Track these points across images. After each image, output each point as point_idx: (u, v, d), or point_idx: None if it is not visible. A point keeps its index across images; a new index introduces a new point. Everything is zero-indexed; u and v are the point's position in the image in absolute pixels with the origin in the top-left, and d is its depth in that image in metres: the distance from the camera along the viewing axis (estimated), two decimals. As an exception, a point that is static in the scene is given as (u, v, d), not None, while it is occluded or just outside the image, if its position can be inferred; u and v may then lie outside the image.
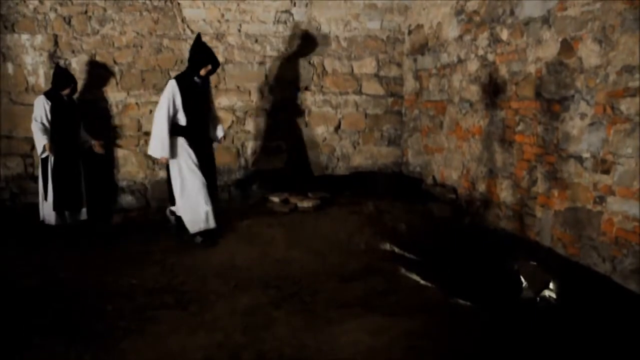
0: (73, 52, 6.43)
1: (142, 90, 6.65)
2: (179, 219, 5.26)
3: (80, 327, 3.39)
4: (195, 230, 5.12)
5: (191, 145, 5.15)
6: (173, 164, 5.15)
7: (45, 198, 5.74)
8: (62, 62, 6.36)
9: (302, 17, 6.96)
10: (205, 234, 5.14)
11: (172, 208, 5.39)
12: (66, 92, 5.81)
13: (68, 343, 3.16)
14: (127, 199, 6.73)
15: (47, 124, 5.65)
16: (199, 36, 5.35)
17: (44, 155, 5.66)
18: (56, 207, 5.69)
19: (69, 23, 6.38)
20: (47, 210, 5.75)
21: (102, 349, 3.11)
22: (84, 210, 5.91)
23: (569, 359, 2.94)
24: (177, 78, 5.20)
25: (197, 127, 5.22)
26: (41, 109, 5.67)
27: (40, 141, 5.61)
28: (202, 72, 5.19)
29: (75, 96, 6.10)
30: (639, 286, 3.34)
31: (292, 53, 7.01)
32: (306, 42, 7.02)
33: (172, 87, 5.08)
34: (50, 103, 5.69)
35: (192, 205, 5.08)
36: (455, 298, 3.80)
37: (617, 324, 3.21)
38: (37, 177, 6.04)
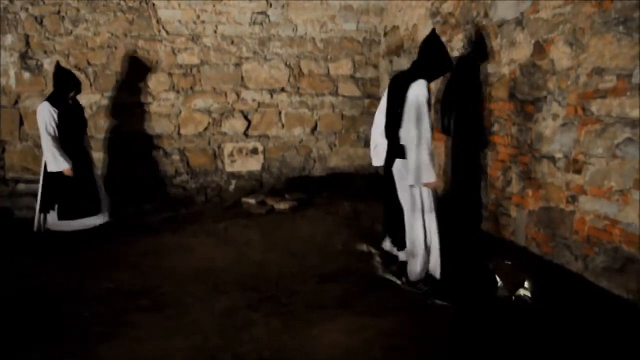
0: (45, 52, 6.33)
1: (116, 92, 6.57)
2: None
3: (57, 334, 3.34)
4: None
5: None
6: None
7: (48, 210, 5.35)
8: (33, 63, 6.25)
9: (278, 19, 6.96)
10: None
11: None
12: (72, 95, 5.44)
13: (44, 350, 3.10)
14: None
15: (56, 134, 5.20)
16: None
17: (55, 171, 5.23)
18: (67, 216, 5.35)
19: (40, 23, 6.28)
20: (51, 220, 5.38)
21: (79, 355, 3.07)
22: (104, 213, 5.61)
23: (545, 355, 2.99)
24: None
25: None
26: (49, 118, 5.17)
27: (59, 162, 5.17)
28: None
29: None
30: (610, 284, 3.40)
31: (268, 54, 6.99)
32: (282, 44, 7.02)
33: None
34: (57, 110, 5.22)
35: None
36: (432, 297, 3.84)
37: (589, 321, 3.27)
38: (7, 180, 5.93)
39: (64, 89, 5.34)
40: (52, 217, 5.38)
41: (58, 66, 5.46)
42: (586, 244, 3.62)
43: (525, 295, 3.84)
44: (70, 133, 5.34)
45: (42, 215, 5.39)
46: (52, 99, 5.28)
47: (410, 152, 3.85)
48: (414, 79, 3.92)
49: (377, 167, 4.54)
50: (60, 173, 5.22)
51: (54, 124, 5.19)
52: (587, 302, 3.45)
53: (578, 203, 3.68)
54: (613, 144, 3.32)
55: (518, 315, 3.57)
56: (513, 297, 3.82)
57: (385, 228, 4.56)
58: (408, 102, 3.86)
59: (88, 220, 5.47)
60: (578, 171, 3.65)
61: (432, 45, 4.05)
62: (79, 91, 5.52)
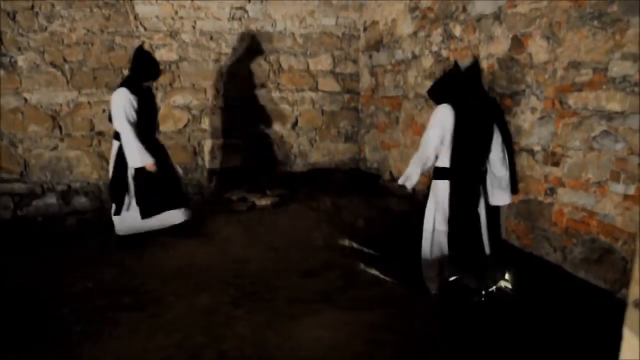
0: (19, 49, 6.21)
1: (94, 89, 6.48)
2: None
3: (35, 333, 3.29)
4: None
5: None
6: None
7: (127, 208, 4.87)
8: (7, 60, 6.13)
9: (257, 14, 6.92)
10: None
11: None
12: (149, 82, 4.95)
13: (21, 350, 3.06)
14: (80, 201, 6.55)
15: (136, 124, 4.67)
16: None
17: (137, 166, 4.73)
18: (151, 213, 4.88)
19: (13, 19, 6.15)
20: (130, 219, 4.90)
21: (58, 355, 3.03)
22: (187, 210, 5.16)
23: (526, 346, 3.02)
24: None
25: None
26: (129, 106, 4.62)
27: (144, 156, 4.67)
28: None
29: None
30: (588, 274, 3.46)
31: (248, 50, 6.96)
32: (262, 39, 6.99)
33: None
34: (136, 97, 4.68)
35: None
36: (414, 291, 3.86)
37: (568, 310, 3.32)
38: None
39: (145, 74, 4.83)
40: (120, 220, 4.93)
41: (141, 48, 4.98)
42: (565, 235, 3.67)
43: (506, 287, 3.89)
44: (147, 123, 4.86)
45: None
46: (128, 85, 4.73)
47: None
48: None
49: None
50: (142, 168, 4.74)
51: (134, 113, 4.67)
52: (565, 293, 3.50)
53: (556, 195, 3.73)
54: (590, 136, 3.36)
55: (499, 307, 3.61)
56: (494, 290, 3.86)
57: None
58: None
59: (170, 216, 4.98)
60: (556, 164, 3.70)
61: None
62: (157, 77, 5.12)
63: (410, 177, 3.90)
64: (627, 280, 3.18)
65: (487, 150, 3.85)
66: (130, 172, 4.82)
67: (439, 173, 3.88)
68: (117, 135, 4.80)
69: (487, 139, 3.84)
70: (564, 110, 3.58)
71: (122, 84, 4.78)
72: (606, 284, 3.31)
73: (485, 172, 3.92)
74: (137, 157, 4.68)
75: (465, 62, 4.77)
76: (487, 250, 3.91)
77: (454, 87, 3.87)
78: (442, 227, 3.83)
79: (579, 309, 3.31)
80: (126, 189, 4.85)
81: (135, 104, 4.66)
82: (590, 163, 3.38)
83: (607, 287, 3.30)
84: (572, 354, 2.92)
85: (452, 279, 3.82)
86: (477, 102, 3.88)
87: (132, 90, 4.69)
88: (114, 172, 4.88)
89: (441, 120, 3.78)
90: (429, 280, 3.92)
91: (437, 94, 3.96)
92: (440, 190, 3.84)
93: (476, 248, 3.88)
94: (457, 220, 3.77)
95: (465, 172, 3.83)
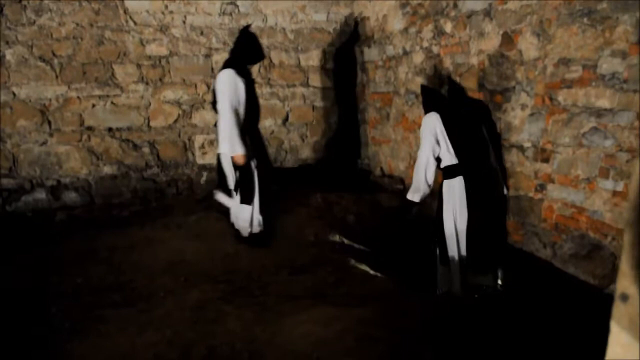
0: (7, 43, 6.14)
1: (83, 84, 6.42)
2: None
3: (22, 331, 3.26)
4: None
5: None
6: None
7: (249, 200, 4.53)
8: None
9: (247, 9, 6.88)
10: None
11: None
12: (251, 66, 4.56)
13: (8, 349, 3.03)
14: (70, 196, 6.50)
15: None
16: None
17: (225, 153, 4.39)
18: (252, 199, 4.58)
19: (1, 12, 6.08)
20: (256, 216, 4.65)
21: (47, 353, 3.01)
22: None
23: (516, 341, 3.04)
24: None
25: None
26: (235, 88, 4.29)
27: (235, 145, 4.30)
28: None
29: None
30: (577, 270, 3.48)
31: (239, 45, 6.92)
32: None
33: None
34: (243, 80, 4.29)
35: None
36: (404, 287, 3.87)
37: (557, 306, 3.34)
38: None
39: (251, 55, 4.46)
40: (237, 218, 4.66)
41: (247, 29, 4.62)
42: (554, 231, 3.70)
43: (498, 284, 3.91)
44: (251, 111, 4.47)
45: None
46: (234, 66, 4.33)
47: None
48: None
49: None
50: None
51: (239, 97, 4.31)
52: (555, 289, 3.52)
53: (546, 191, 3.75)
54: (579, 133, 3.38)
55: (489, 303, 3.62)
56: (484, 286, 3.87)
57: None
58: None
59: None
60: (546, 160, 3.72)
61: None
62: (262, 59, 4.74)
63: (418, 188, 3.90)
64: (615, 275, 3.20)
65: (482, 143, 3.87)
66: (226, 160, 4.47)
67: (449, 172, 3.87)
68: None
69: (477, 134, 3.87)
70: (554, 106, 3.60)
71: (226, 65, 4.41)
72: (595, 279, 3.34)
73: (492, 167, 3.93)
74: (228, 143, 4.30)
75: (456, 59, 4.78)
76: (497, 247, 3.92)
77: (437, 97, 4.06)
78: (464, 226, 3.81)
79: (568, 304, 3.33)
80: (252, 180, 4.50)
81: (242, 87, 4.33)
82: (580, 159, 3.40)
83: (596, 282, 3.33)
84: (560, 349, 2.94)
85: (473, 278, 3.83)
86: (461, 105, 4.07)
87: (238, 72, 4.34)
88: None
89: (429, 126, 3.85)
90: (453, 282, 3.90)
91: (425, 106, 4.04)
92: (456, 188, 3.82)
93: (493, 245, 3.88)
94: (474, 217, 3.77)
95: (474, 165, 3.84)
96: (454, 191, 3.84)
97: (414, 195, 3.97)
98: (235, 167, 4.42)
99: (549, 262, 3.75)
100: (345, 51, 7.28)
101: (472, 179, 3.78)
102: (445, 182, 3.90)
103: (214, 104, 4.53)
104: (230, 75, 4.30)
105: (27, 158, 6.29)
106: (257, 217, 4.69)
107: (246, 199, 4.51)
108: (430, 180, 3.88)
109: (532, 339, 3.05)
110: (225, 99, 4.27)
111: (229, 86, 4.28)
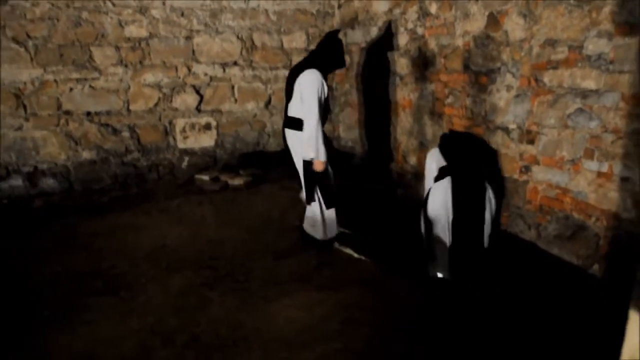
0: (-20, 24, 5.96)
1: (60, 67, 6.26)
2: None
3: (2, 321, 3.18)
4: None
5: None
6: None
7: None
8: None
9: (229, -10, 6.75)
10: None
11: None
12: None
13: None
14: (48, 182, 6.36)
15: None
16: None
17: (311, 158, 4.12)
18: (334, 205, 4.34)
19: (-27, -8, 5.89)
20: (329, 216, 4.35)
21: (26, 344, 2.94)
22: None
23: (499, 323, 3.04)
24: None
25: None
26: (321, 90, 4.00)
27: (320, 151, 4.05)
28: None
29: None
30: (561, 251, 3.49)
31: (220, 27, 6.80)
32: (234, 16, 6.83)
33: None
34: (326, 84, 4.09)
35: None
36: (388, 270, 3.85)
37: (541, 287, 3.35)
38: None
39: (337, 61, 4.24)
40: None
41: (336, 34, 4.32)
42: (539, 213, 3.69)
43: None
44: (325, 115, 4.22)
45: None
46: (320, 69, 4.09)
47: None
48: None
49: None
50: (310, 162, 4.15)
51: (322, 100, 4.05)
52: (539, 269, 3.53)
53: (531, 173, 3.74)
54: (565, 114, 3.37)
55: (476, 286, 3.62)
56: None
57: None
58: None
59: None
60: (531, 142, 3.70)
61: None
62: (343, 67, 4.46)
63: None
64: (599, 256, 3.21)
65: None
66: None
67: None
68: (292, 123, 4.21)
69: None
70: (540, 88, 3.58)
71: (311, 66, 4.09)
72: (579, 260, 3.34)
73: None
74: (314, 148, 4.04)
75: (441, 40, 4.72)
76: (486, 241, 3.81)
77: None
78: (450, 212, 3.67)
79: (552, 285, 3.34)
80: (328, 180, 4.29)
81: (326, 90, 4.10)
82: (565, 141, 3.39)
83: (580, 263, 3.34)
84: (544, 329, 2.94)
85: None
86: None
87: (323, 75, 4.09)
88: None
89: (429, 168, 3.95)
90: (440, 267, 3.80)
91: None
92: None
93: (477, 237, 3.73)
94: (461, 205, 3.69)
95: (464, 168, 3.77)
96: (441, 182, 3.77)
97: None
98: (311, 171, 4.21)
99: (533, 243, 3.75)
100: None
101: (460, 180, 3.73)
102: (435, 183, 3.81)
103: (287, 101, 4.27)
104: (318, 76, 4.04)
105: (2, 143, 6.13)
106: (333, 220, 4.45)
107: (330, 203, 4.32)
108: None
109: (516, 320, 3.06)
110: (313, 101, 3.99)
111: (317, 87, 4.01)
